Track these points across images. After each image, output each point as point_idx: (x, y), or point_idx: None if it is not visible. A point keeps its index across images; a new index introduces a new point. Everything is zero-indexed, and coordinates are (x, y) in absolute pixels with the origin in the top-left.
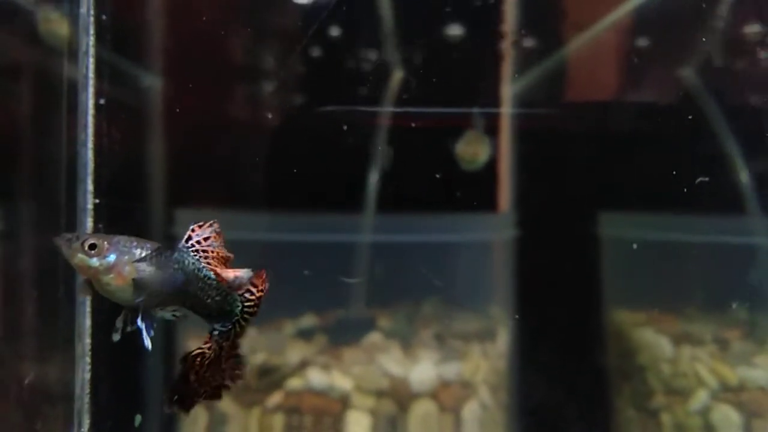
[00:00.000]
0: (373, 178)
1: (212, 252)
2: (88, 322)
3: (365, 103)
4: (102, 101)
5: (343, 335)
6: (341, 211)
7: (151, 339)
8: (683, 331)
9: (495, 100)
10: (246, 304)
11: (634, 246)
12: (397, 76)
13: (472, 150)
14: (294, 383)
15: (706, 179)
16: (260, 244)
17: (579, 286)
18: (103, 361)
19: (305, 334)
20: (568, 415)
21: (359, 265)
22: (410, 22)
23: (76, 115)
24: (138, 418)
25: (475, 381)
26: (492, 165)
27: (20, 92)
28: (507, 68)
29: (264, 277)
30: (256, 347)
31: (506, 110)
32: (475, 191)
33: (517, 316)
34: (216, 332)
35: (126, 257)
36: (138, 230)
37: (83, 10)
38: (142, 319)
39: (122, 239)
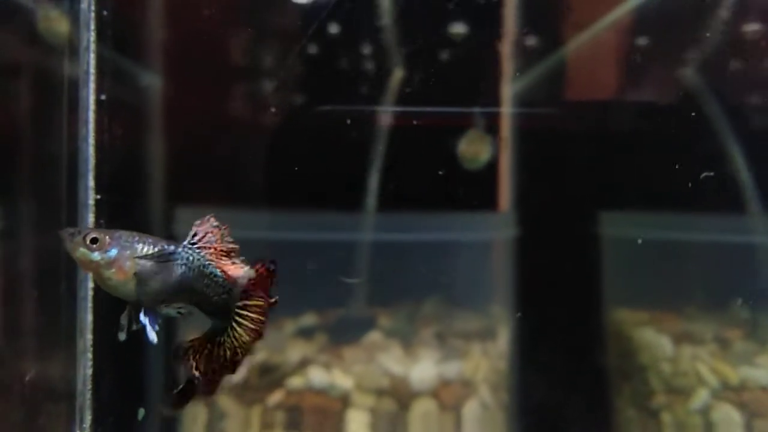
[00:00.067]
0: (374, 177)
1: (215, 247)
2: (89, 317)
3: (366, 103)
4: (103, 97)
5: (343, 334)
6: (342, 210)
7: (156, 334)
8: (684, 331)
9: (495, 100)
10: (247, 302)
11: (639, 241)
12: (398, 75)
13: (474, 149)
14: (295, 382)
15: (711, 173)
16: (261, 243)
17: (579, 285)
18: (105, 357)
19: (306, 333)
20: (569, 414)
21: (360, 264)
22: (411, 21)
23: (77, 112)
24: (141, 412)
25: (475, 380)
26: (493, 164)
27: (21, 90)
28: (507, 67)
29: (266, 271)
30: (256, 346)
31: (506, 110)
32: (475, 190)
33: (519, 314)
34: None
35: (128, 252)
36: (139, 227)
37: (84, 5)
38: (146, 315)
39: (124, 234)
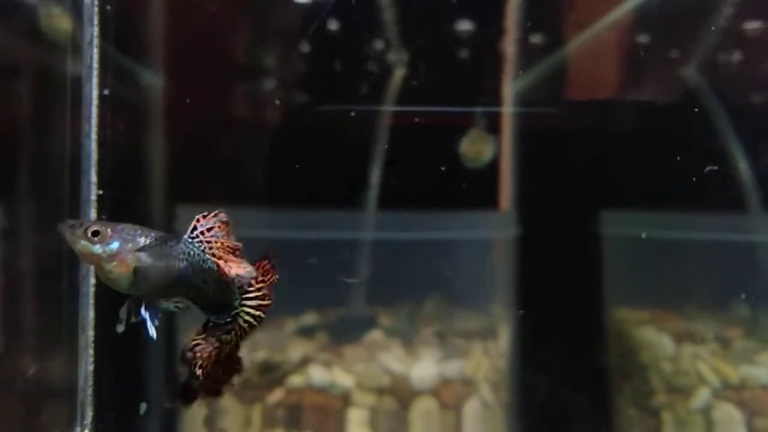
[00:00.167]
0: (375, 176)
1: (217, 243)
2: (91, 314)
3: (367, 101)
4: (106, 92)
5: (344, 333)
6: (343, 209)
7: (156, 329)
8: (685, 330)
9: (496, 99)
10: (246, 297)
11: (644, 235)
12: (399, 73)
13: (476, 148)
14: (295, 380)
15: (715, 167)
16: (261, 241)
17: (580, 284)
18: (106, 353)
19: (306, 332)
20: (569, 413)
21: (360, 262)
22: (412, 21)
23: (79, 109)
24: (143, 406)
25: (476, 379)
26: (494, 163)
27: (23, 88)
28: (509, 67)
29: (266, 268)
30: (257, 344)
31: (508, 109)
32: (476, 189)
33: (522, 311)
34: (211, 324)
35: (129, 245)
36: (140, 223)
37: (87, 0)
38: (146, 309)
39: (126, 227)
